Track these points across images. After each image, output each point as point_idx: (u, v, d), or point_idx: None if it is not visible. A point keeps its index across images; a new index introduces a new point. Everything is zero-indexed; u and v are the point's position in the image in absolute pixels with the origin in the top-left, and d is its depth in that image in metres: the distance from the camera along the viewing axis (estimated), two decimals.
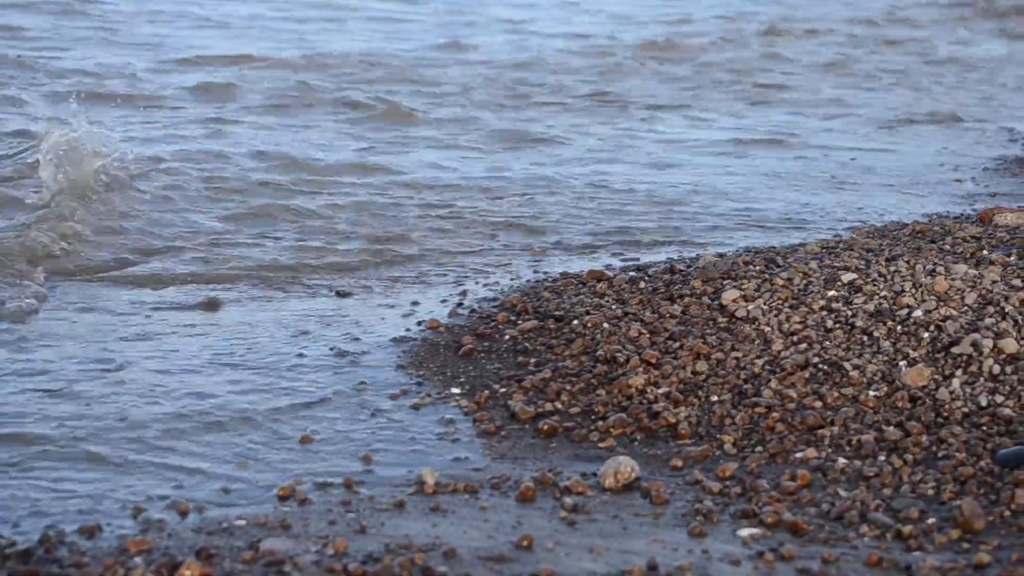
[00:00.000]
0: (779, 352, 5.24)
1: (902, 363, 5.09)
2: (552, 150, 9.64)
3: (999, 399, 4.84)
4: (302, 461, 4.56)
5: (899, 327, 5.29)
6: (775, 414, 4.84)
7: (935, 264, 5.81)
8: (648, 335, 5.43)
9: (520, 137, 9.96)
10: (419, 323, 5.88)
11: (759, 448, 4.66)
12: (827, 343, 5.26)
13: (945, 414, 4.80)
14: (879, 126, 10.88)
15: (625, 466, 4.39)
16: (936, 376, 5.00)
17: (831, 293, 5.59)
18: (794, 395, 4.94)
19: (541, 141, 9.90)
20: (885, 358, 5.13)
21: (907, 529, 4.05)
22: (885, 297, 5.51)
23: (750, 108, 11.63)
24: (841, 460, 4.53)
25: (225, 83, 11.33)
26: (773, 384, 5.01)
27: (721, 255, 6.35)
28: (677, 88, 12.44)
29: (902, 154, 9.84)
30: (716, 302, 5.66)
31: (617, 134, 10.27)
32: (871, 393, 4.94)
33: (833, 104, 11.85)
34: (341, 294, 6.30)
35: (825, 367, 5.11)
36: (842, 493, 4.31)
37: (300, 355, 5.52)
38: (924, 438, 4.65)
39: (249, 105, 10.76)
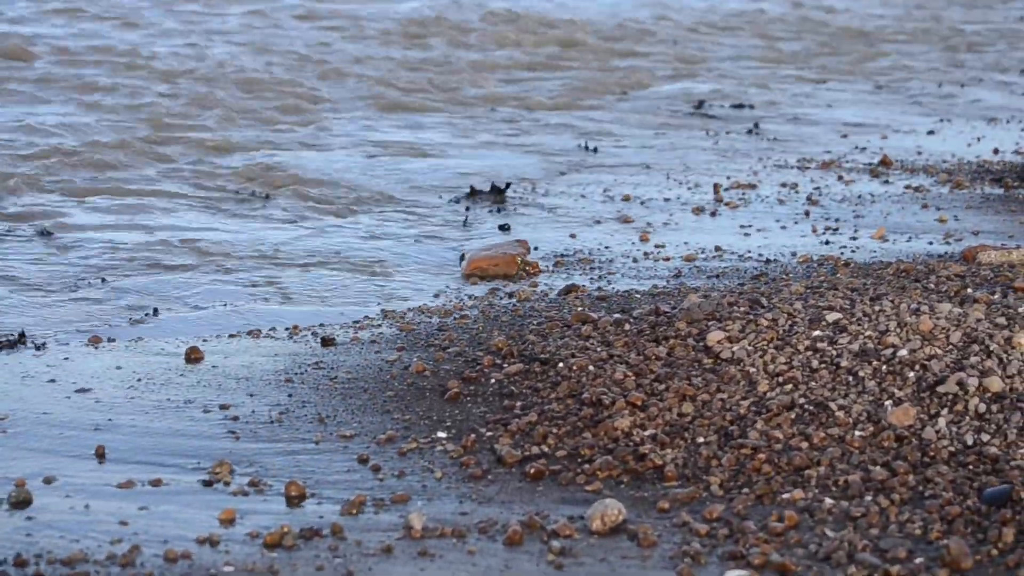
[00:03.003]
0: (765, 393, 5.24)
1: (888, 403, 5.09)
2: None
3: (985, 438, 4.84)
4: (288, 508, 4.56)
5: (884, 367, 5.30)
6: (761, 455, 4.83)
7: (920, 303, 5.83)
8: (633, 377, 5.43)
9: None
10: (405, 367, 5.87)
11: (746, 489, 4.66)
12: (813, 383, 5.26)
13: (931, 453, 4.80)
14: None
15: (612, 509, 4.39)
16: (922, 415, 5.01)
17: (816, 333, 5.59)
18: (780, 436, 4.94)
19: None
20: (871, 398, 5.14)
21: (895, 569, 4.05)
22: (870, 337, 5.51)
23: None
24: (828, 500, 4.53)
25: None
26: (759, 425, 5.01)
27: (706, 296, 6.36)
28: None
29: None
30: (701, 343, 5.66)
31: None
32: (857, 433, 4.94)
33: None
34: (326, 341, 6.27)
35: (811, 407, 5.11)
36: (829, 534, 4.31)
37: (289, 395, 5.52)
38: (911, 478, 4.65)
39: None
